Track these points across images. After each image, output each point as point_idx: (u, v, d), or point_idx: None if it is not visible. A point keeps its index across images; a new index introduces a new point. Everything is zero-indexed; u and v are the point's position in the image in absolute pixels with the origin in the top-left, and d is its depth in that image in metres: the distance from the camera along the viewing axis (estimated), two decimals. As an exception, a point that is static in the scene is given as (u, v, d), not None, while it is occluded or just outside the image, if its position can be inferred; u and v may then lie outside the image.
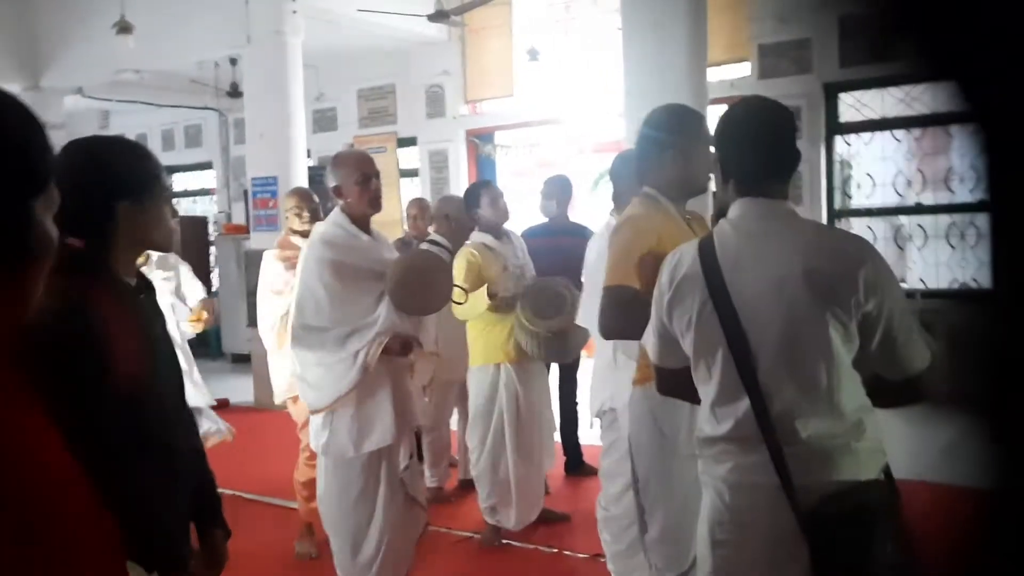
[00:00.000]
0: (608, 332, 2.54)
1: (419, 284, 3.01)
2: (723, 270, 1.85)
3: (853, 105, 7.52)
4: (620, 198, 3.45)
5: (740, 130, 1.94)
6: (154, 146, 11.99)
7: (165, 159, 12.04)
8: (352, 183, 3.03)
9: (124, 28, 7.49)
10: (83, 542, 0.93)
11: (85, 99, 10.17)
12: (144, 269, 3.12)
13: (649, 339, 2.07)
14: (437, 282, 3.10)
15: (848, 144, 7.64)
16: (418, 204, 5.32)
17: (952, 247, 7.16)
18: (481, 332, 4.14)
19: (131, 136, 11.93)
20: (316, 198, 4.40)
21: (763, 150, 1.90)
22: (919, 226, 7.28)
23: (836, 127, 7.69)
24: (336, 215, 3.09)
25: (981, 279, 7.01)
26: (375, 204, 3.07)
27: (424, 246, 4.59)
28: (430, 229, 4.74)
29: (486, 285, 4.02)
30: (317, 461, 3.19)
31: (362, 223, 3.09)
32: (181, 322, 4.50)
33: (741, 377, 1.82)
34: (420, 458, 5.03)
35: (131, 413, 1.53)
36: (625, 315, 2.39)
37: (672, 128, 2.55)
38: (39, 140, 0.95)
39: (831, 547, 1.74)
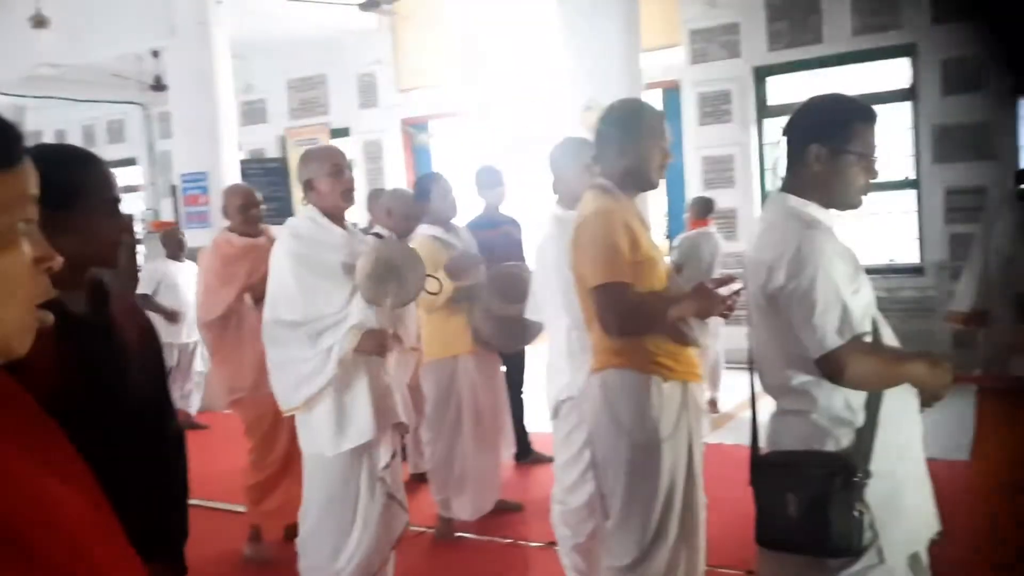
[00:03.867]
0: (620, 331, 2.45)
1: (389, 276, 2.98)
2: None
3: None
4: (561, 187, 3.45)
5: None
6: (74, 142, 11.58)
7: (87, 156, 11.63)
8: (324, 175, 3.02)
9: (40, 22, 7.17)
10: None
11: (-1, 96, 9.73)
12: None
13: None
14: (409, 273, 3.05)
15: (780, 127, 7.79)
16: (375, 196, 5.37)
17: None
18: (438, 325, 4.08)
19: (49, 133, 11.49)
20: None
21: None
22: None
23: (766, 110, 7.83)
24: (308, 209, 3.09)
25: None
26: (347, 197, 3.07)
27: (369, 239, 4.52)
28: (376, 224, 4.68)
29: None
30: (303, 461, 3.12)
31: (335, 217, 3.09)
32: None
33: None
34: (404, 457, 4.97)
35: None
36: (633, 312, 2.41)
37: (631, 123, 2.59)
38: None
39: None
